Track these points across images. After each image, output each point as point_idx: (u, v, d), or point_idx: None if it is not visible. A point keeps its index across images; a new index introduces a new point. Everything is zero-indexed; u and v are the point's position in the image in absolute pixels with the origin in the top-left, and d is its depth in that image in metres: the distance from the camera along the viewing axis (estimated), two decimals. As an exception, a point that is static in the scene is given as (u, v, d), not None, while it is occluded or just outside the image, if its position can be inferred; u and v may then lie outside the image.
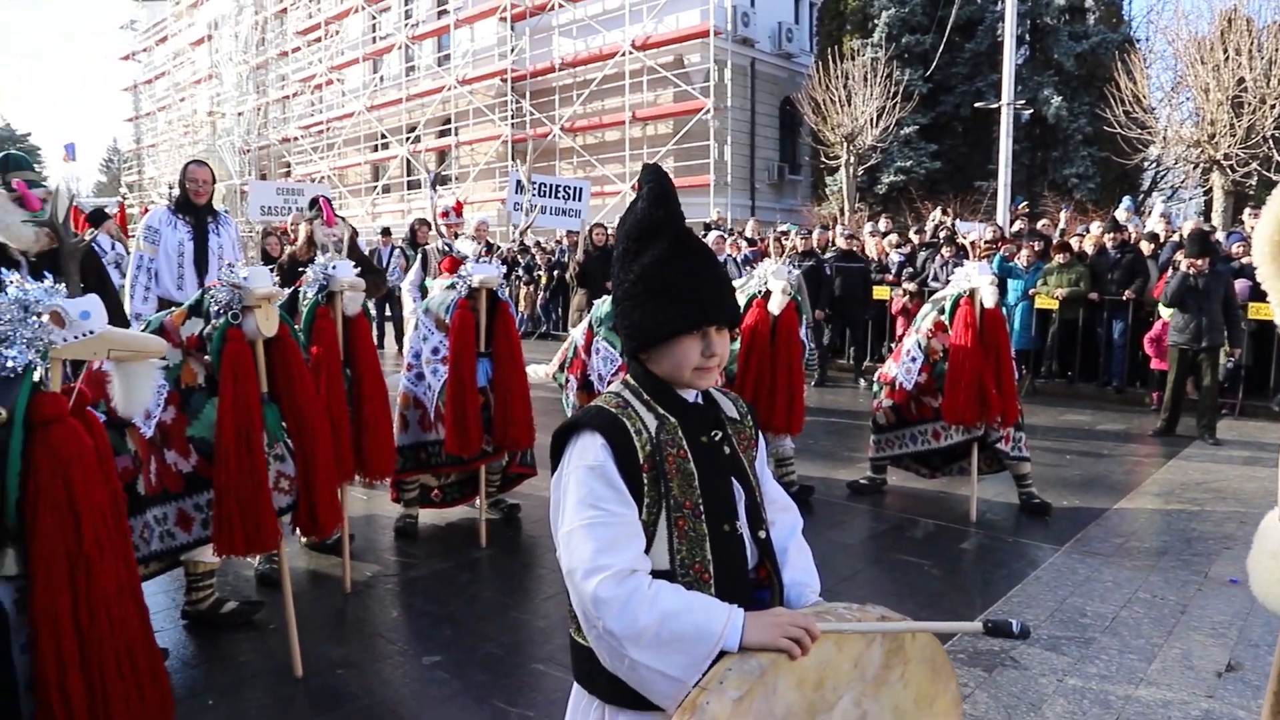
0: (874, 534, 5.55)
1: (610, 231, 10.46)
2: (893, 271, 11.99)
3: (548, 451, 1.73)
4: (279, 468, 3.56)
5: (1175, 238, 10.68)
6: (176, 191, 6.13)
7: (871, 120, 20.54)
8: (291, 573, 4.61)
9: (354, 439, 4.05)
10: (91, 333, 1.91)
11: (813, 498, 6.07)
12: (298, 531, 4.00)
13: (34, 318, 1.80)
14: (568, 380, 5.55)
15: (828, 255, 11.69)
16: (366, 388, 4.17)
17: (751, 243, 12.95)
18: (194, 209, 6.01)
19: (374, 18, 31.33)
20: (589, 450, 1.62)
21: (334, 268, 3.97)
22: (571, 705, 1.76)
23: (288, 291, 4.06)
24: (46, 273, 4.83)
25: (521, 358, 5.01)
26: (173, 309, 3.68)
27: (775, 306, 5.61)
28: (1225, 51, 14.36)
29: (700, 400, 1.77)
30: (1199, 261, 8.00)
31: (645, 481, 1.62)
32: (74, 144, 24.93)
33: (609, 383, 5.20)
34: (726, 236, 11.77)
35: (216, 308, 3.36)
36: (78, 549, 1.79)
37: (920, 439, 6.00)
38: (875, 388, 6.32)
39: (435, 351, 4.99)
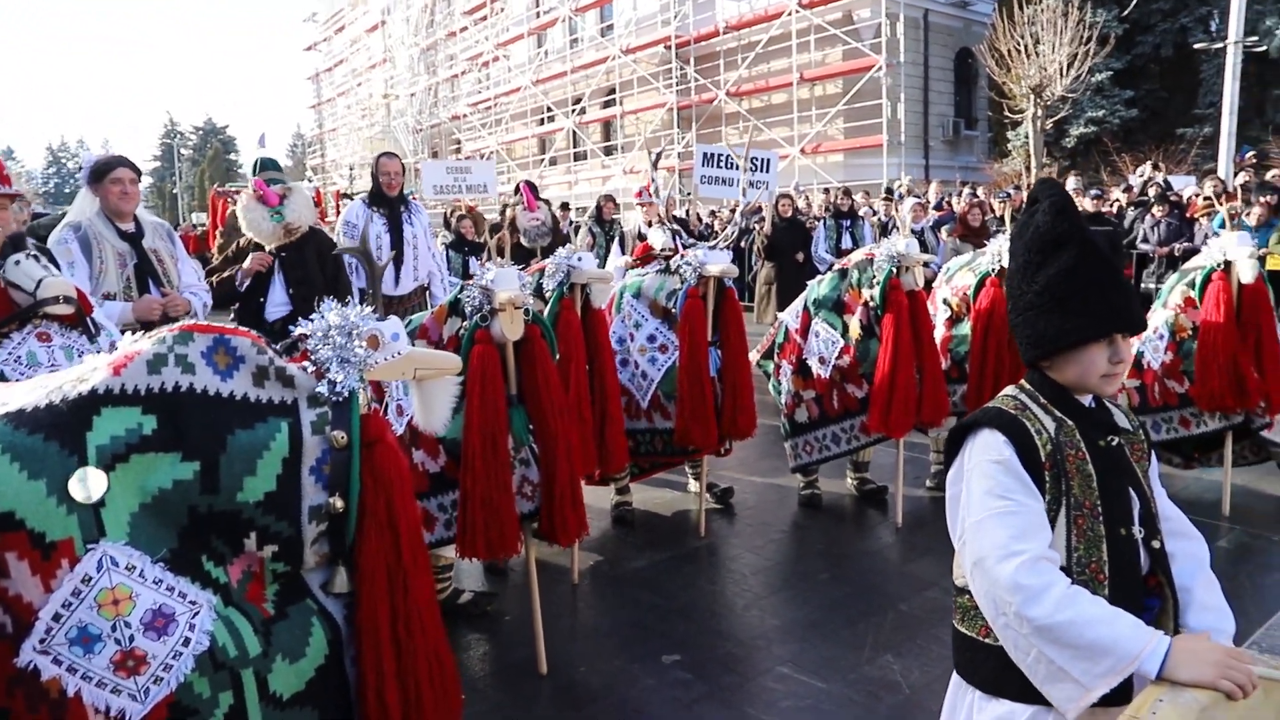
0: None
1: (796, 201, 10.14)
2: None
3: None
4: (523, 472, 3.55)
5: None
6: (356, 173, 6.22)
7: (1061, 69, 19.13)
8: (516, 561, 4.67)
9: (596, 434, 4.01)
10: (399, 353, 1.90)
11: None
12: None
13: (356, 342, 1.80)
14: (779, 366, 5.35)
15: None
16: (608, 382, 4.11)
17: (938, 206, 12.26)
18: (388, 201, 6.07)
19: (538, -8, 31.72)
20: (992, 446, 1.70)
21: (578, 259, 3.90)
22: (950, 694, 1.87)
23: (530, 294, 4.01)
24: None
25: (747, 345, 4.86)
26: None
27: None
28: None
29: (1094, 405, 1.80)
30: None
31: (1047, 479, 1.68)
32: (265, 133, 26.57)
33: (831, 366, 5.00)
34: (922, 202, 11.11)
35: (470, 308, 3.37)
36: (396, 564, 1.83)
37: (1165, 427, 5.46)
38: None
39: (651, 339, 4.87)
